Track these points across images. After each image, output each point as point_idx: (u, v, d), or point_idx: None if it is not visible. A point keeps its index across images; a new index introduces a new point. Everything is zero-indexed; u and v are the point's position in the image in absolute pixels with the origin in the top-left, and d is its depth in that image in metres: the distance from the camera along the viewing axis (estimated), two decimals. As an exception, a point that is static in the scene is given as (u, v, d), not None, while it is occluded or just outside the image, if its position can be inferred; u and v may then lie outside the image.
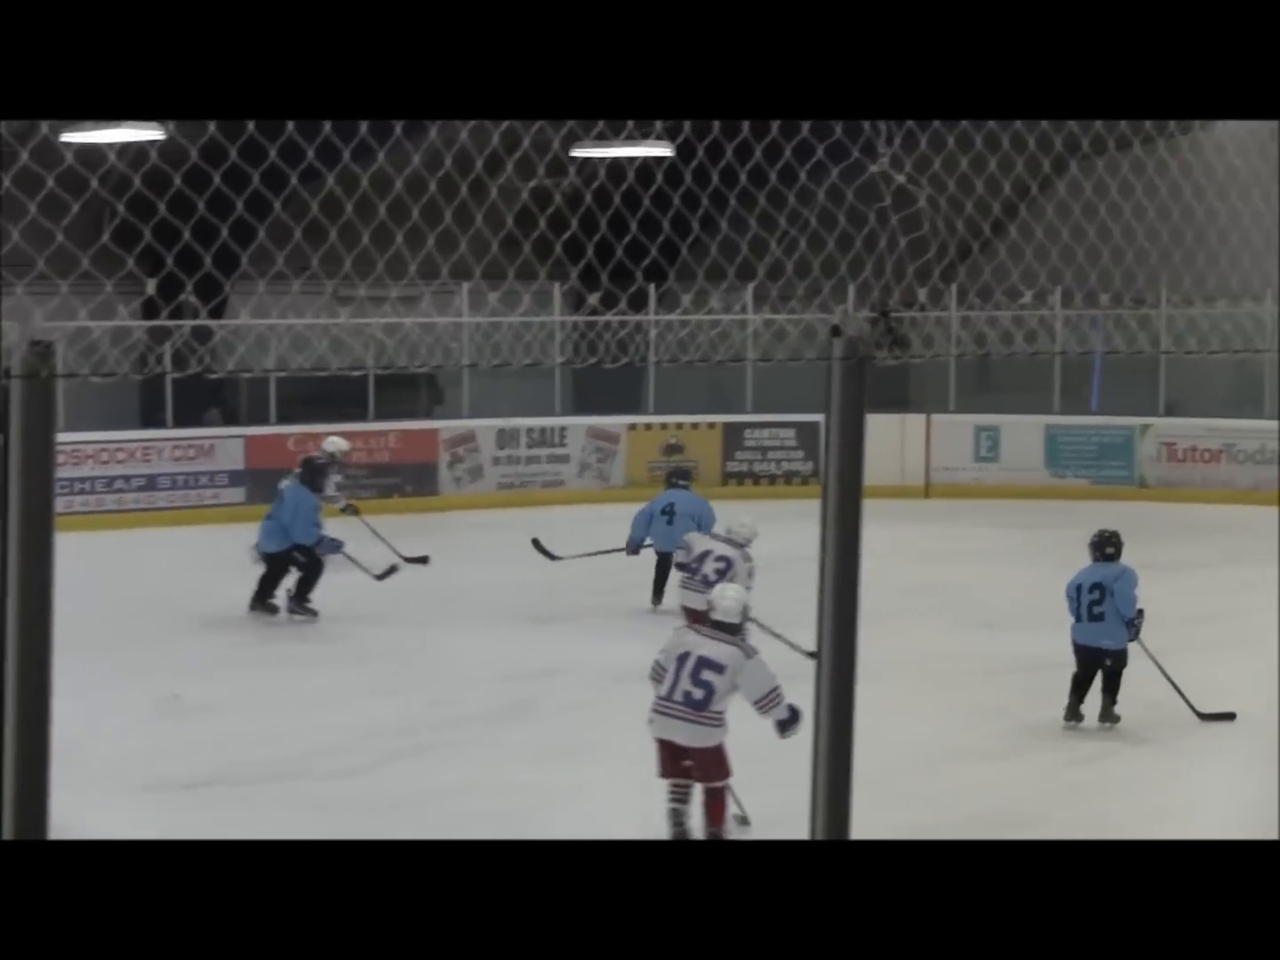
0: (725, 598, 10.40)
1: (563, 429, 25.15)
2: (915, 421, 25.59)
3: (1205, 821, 10.48)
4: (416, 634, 15.95)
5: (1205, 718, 13.02)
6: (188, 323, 18.11)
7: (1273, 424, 25.24)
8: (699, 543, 15.29)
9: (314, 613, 16.76)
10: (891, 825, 7.00)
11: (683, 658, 9.97)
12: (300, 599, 16.77)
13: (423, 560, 18.90)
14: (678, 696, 9.89)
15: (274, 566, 16.79)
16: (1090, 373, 27.08)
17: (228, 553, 17.40)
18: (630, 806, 10.36)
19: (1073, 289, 25.22)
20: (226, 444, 23.22)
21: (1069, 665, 13.02)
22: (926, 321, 23.66)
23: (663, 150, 17.92)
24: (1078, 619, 13.04)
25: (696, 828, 10.03)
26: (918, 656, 14.91)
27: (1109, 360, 26.70)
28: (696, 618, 12.35)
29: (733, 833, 10.07)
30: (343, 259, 6.26)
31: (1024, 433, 25.76)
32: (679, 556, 15.36)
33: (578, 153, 18.79)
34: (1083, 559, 13.02)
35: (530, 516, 22.87)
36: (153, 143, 10.51)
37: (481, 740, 12.52)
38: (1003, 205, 21.20)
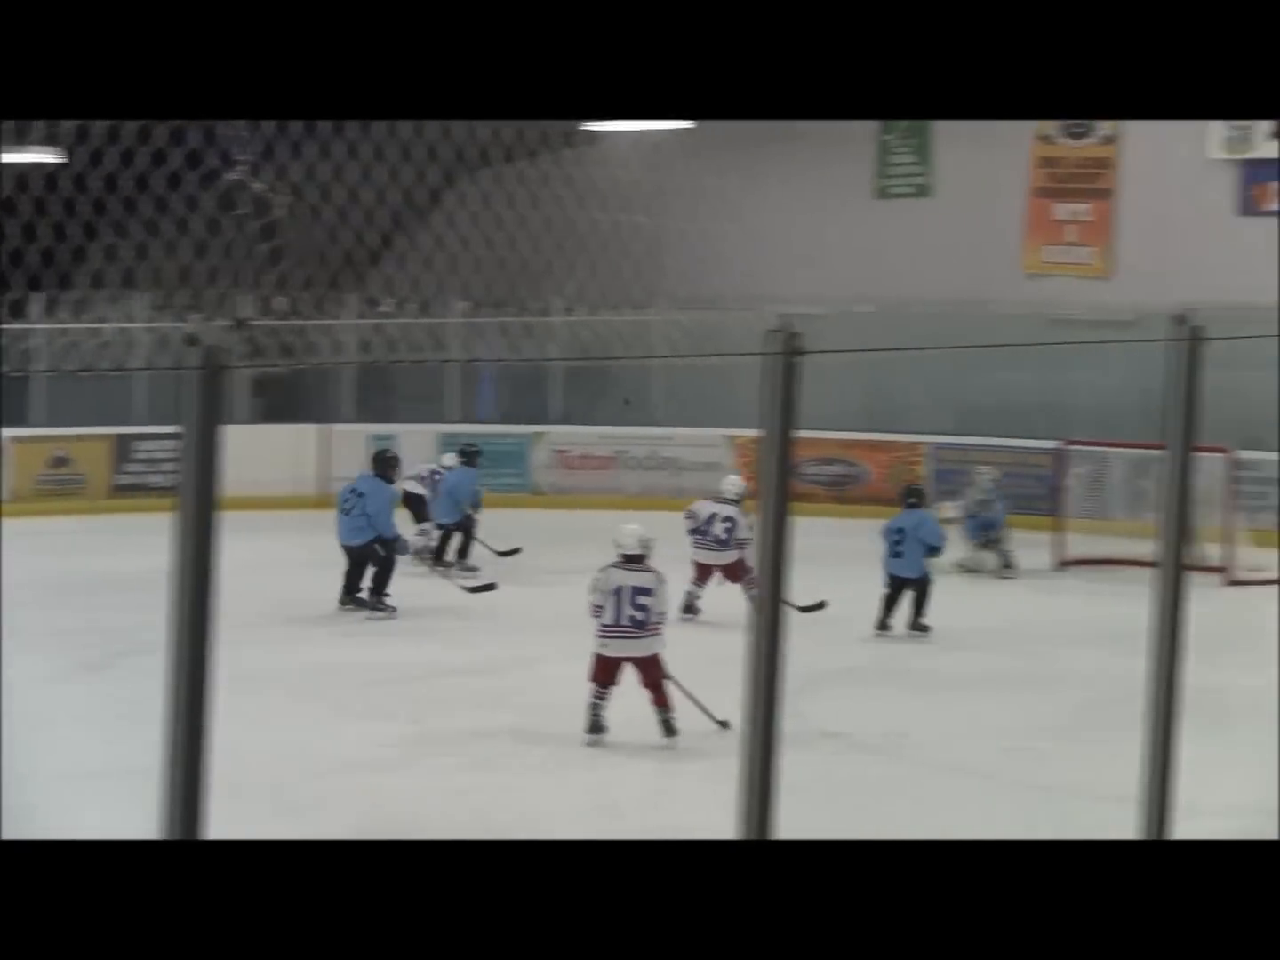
0: (628, 535, 12.80)
1: (-59, 443, 24.06)
2: (310, 431, 25.37)
3: (589, 827, 10.58)
4: None
5: (803, 610, 15.48)
6: None
7: (660, 430, 25.92)
8: (703, 508, 17.45)
9: (394, 609, 17.08)
10: (284, 835, 6.92)
11: (618, 591, 12.41)
12: (379, 594, 17.24)
13: (515, 551, 20.51)
14: (625, 621, 12.39)
15: (359, 560, 17.38)
16: (483, 380, 27.35)
17: None
18: None
19: (467, 298, 25.46)
20: None
21: (460, 672, 13.26)
22: (297, 329, 23.50)
23: (39, 156, 17.30)
24: (890, 555, 16.66)
25: (609, 720, 12.48)
26: (306, 666, 14.78)
27: (505, 368, 27.00)
28: (706, 573, 17.06)
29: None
30: None
31: (420, 441, 25.79)
32: (688, 524, 17.29)
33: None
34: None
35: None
36: None
37: None
38: (392, 217, 21.19)
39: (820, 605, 16.52)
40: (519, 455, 25.84)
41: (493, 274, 23.28)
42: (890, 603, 16.80)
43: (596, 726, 12.54)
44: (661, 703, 12.49)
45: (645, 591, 12.46)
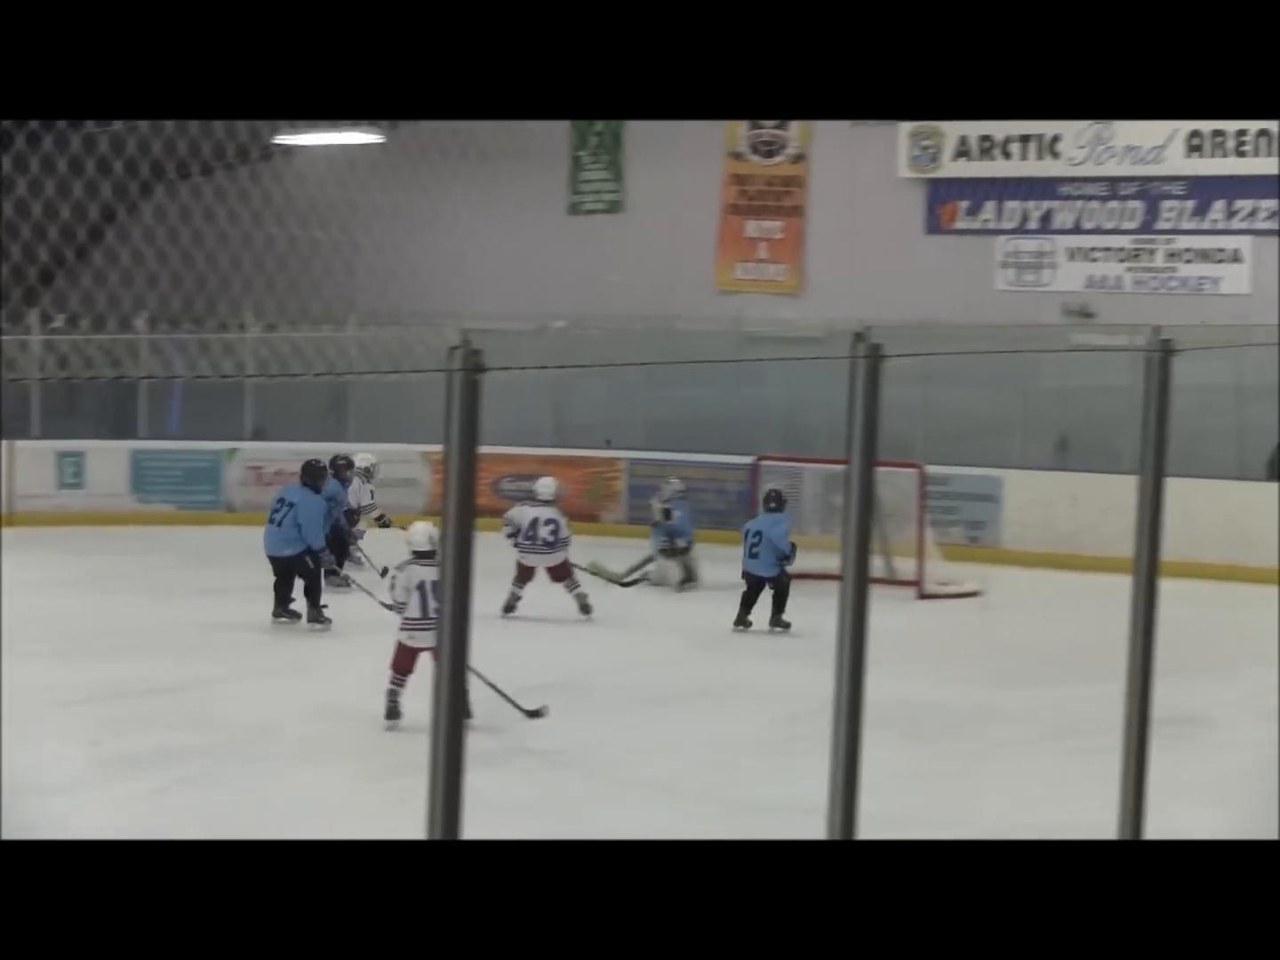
0: (419, 533, 13.57)
1: None
2: (-5, 448, 24.79)
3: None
4: None
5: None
6: None
7: (355, 446, 25.71)
8: (523, 515, 18.19)
9: (329, 620, 17.39)
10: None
11: (420, 585, 13.17)
12: (316, 606, 17.40)
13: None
14: (431, 614, 12.97)
15: (287, 571, 17.42)
16: (171, 397, 26.94)
17: None
18: None
19: (152, 314, 25.03)
20: None
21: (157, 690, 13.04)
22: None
23: None
24: (747, 555, 17.62)
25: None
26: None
27: (195, 385, 26.59)
28: (529, 574, 17.96)
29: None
30: None
31: (109, 459, 25.32)
32: (506, 530, 18.01)
33: None
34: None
35: None
36: None
37: None
38: (63, 234, 20.77)
39: (643, 578, 19.34)
40: (212, 472, 25.46)
41: (179, 289, 22.92)
42: (748, 601, 17.64)
43: (394, 712, 13.32)
44: None
45: None
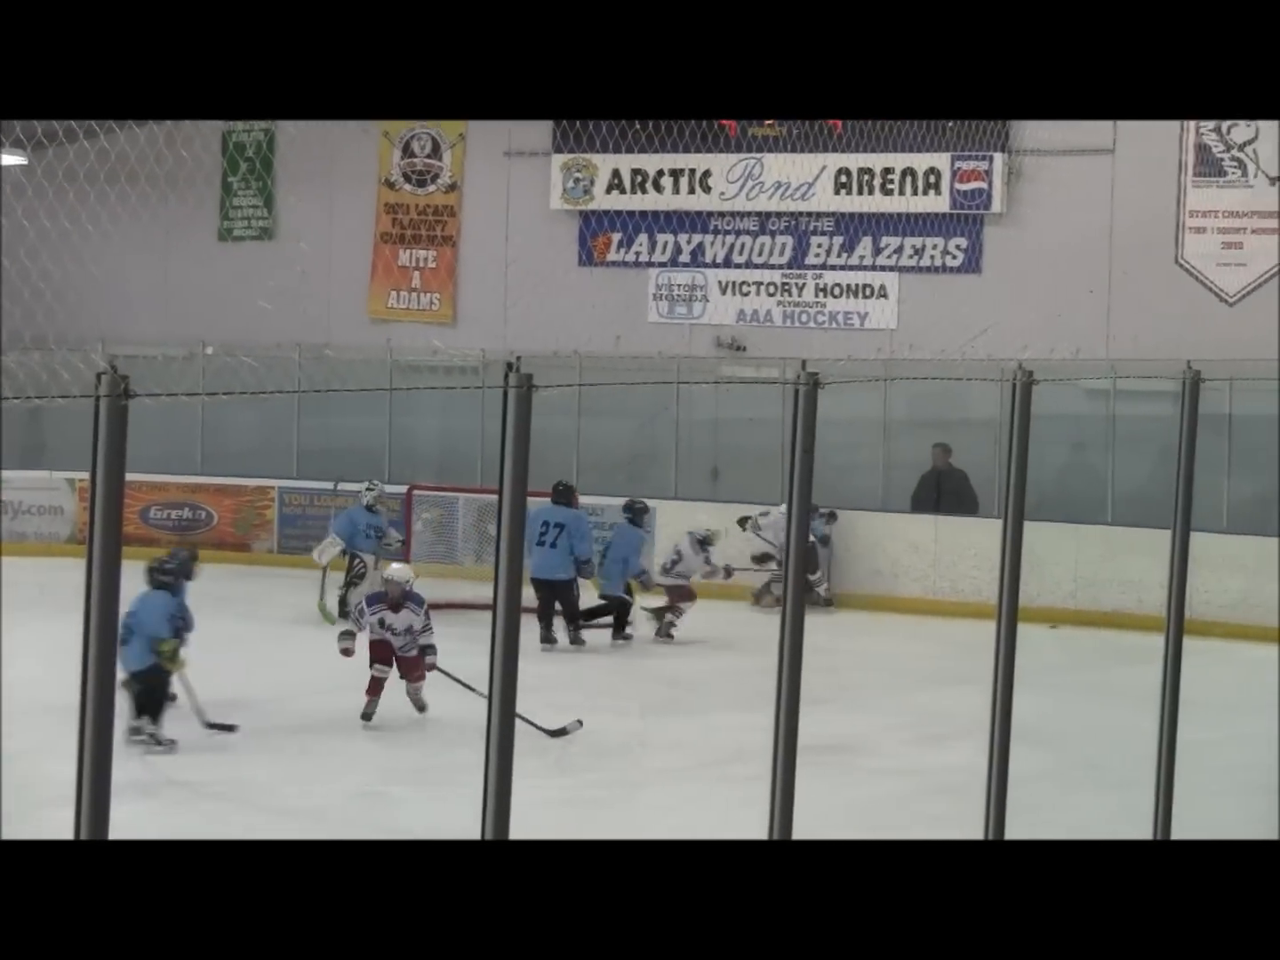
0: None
1: None
2: None
3: None
4: None
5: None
6: None
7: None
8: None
9: (584, 640, 18.50)
10: None
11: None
12: (577, 628, 18.35)
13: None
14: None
15: (553, 595, 18.21)
16: None
17: None
18: None
19: None
20: None
21: None
22: None
23: None
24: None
25: None
26: None
27: None
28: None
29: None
30: None
31: None
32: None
33: None
34: None
35: None
36: None
37: None
38: None
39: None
40: None
41: None
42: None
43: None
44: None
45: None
